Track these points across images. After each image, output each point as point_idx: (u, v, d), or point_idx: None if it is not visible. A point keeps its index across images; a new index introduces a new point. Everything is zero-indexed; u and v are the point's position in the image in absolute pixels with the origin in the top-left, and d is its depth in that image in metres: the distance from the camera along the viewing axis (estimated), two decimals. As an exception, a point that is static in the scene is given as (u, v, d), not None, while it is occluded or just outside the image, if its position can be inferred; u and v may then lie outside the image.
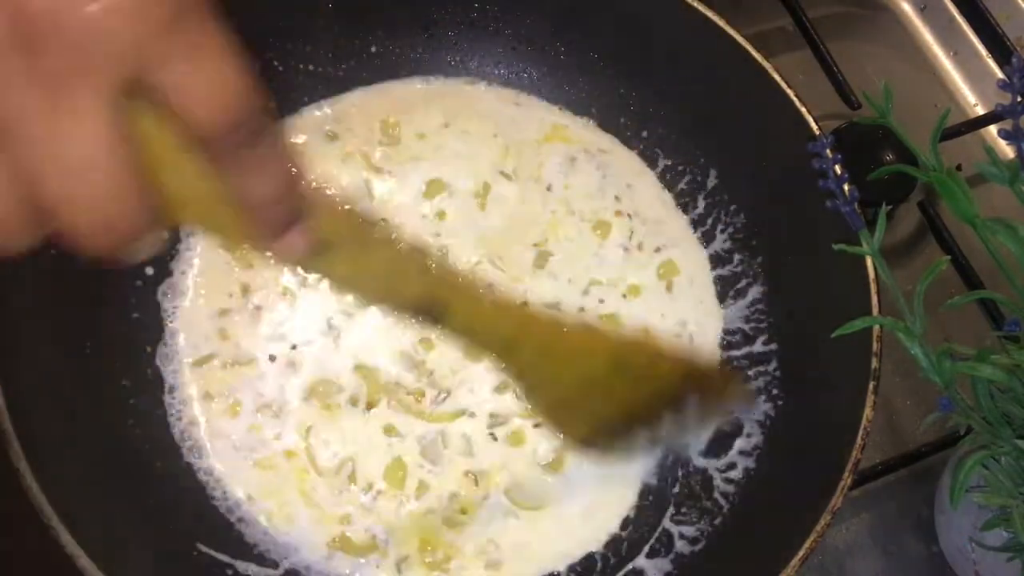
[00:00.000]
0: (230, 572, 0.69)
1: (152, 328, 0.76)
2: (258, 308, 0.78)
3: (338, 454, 0.74)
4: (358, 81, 0.87)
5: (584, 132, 0.90)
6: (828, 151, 0.62)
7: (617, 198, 0.87)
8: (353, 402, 0.76)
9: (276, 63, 0.85)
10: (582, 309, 0.82)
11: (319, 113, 0.86)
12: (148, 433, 0.72)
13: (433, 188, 0.85)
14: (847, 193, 0.61)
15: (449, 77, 0.89)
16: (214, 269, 0.79)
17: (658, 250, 0.85)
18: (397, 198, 0.85)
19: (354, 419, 0.76)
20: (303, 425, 0.75)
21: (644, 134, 0.89)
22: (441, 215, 0.84)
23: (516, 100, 0.90)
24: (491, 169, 0.86)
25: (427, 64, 0.89)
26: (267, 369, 0.77)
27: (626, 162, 0.89)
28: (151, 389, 0.74)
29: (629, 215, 0.86)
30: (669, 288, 0.84)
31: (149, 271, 0.77)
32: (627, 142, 0.89)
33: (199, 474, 0.73)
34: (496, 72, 0.90)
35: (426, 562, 0.72)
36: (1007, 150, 0.97)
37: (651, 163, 0.89)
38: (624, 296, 0.83)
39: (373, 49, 0.88)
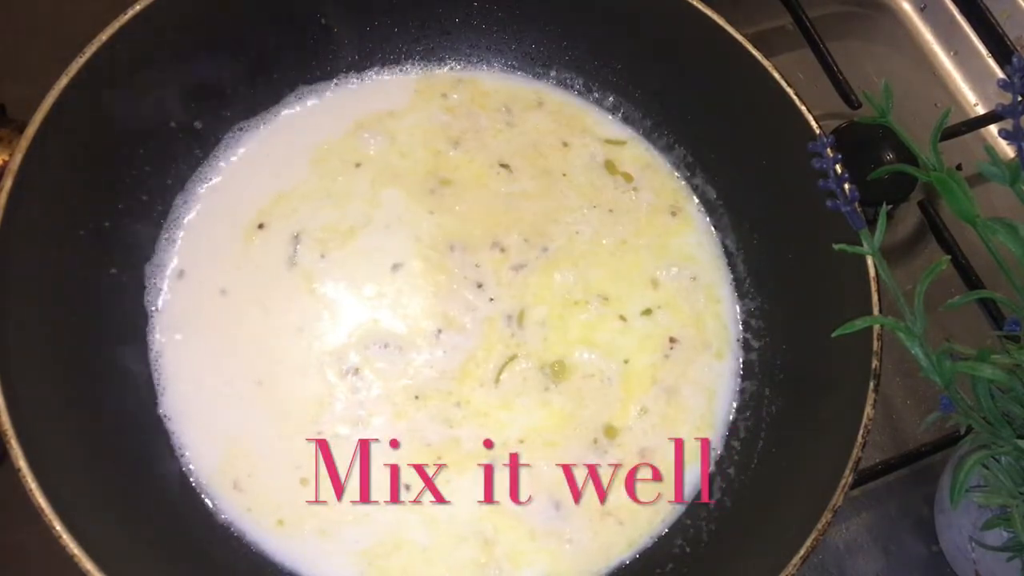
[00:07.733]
0: (229, 572, 0.69)
1: (155, 331, 0.76)
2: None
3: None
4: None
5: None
6: (828, 151, 0.62)
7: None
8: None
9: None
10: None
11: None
12: (149, 435, 0.72)
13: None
14: (847, 193, 0.61)
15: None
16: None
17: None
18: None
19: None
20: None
21: (639, 132, 0.89)
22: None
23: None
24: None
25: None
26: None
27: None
28: (153, 392, 0.74)
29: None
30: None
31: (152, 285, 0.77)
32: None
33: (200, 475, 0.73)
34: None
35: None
36: (1007, 150, 0.97)
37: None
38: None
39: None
